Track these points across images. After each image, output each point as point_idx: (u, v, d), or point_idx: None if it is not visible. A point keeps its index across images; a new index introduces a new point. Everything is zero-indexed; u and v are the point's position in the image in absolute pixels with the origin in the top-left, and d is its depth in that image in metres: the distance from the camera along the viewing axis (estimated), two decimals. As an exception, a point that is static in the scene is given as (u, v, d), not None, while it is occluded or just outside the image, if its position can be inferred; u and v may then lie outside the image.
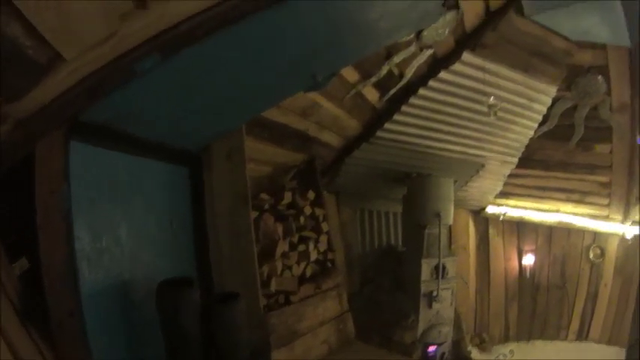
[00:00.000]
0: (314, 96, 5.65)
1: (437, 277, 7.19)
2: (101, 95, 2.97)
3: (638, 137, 7.46)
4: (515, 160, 8.34)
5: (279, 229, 6.04)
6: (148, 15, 2.76)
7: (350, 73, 5.82)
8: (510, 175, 8.74)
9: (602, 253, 9.22)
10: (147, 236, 4.15)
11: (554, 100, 7.46)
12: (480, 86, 6.55)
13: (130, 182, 3.97)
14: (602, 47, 6.93)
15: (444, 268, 7.23)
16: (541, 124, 7.74)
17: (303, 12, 3.44)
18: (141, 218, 4.10)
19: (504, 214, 9.64)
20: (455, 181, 7.83)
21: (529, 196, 9.24)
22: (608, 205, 8.70)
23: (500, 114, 6.69)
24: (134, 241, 3.91)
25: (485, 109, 6.36)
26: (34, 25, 2.21)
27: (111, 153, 3.73)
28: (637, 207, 8.28)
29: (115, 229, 3.76)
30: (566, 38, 6.59)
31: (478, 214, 9.88)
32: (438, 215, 7.26)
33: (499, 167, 8.44)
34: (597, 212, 8.94)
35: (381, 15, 4.01)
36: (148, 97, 3.42)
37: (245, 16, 3.14)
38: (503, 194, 9.36)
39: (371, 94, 6.38)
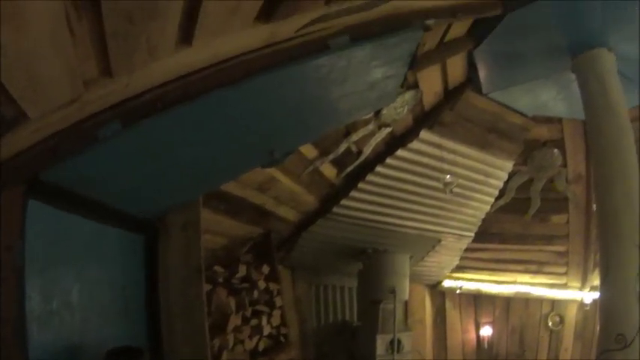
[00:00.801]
0: (272, 171, 5.69)
1: (392, 352, 7.12)
2: (62, 157, 2.96)
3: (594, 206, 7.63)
4: (472, 234, 8.42)
5: (232, 302, 5.99)
6: (113, 83, 2.78)
7: (308, 150, 5.88)
8: (467, 249, 8.80)
9: (562, 320, 9.25)
10: (99, 301, 4.04)
11: (511, 175, 7.61)
12: (437, 163, 6.66)
13: (85, 246, 3.89)
14: (558, 121, 7.18)
15: (399, 342, 7.20)
16: (497, 198, 7.86)
17: (262, 92, 3.55)
18: (94, 283, 3.99)
19: (461, 288, 9.66)
20: (411, 257, 7.86)
21: (486, 269, 9.29)
22: (566, 273, 8.79)
23: (456, 190, 6.80)
24: (86, 305, 3.81)
25: (441, 185, 6.45)
26: (3, 82, 2.20)
27: (68, 215, 3.66)
28: (595, 273, 8.33)
29: (67, 292, 3.65)
30: (522, 114, 6.77)
31: (434, 287, 9.88)
32: (393, 291, 7.25)
33: (455, 242, 8.50)
34: (555, 281, 9.01)
35: (340, 96, 4.16)
36: (108, 163, 3.40)
37: (204, 92, 3.24)
38: (460, 268, 9.40)
39: (328, 171, 6.43)
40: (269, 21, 3.08)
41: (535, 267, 8.96)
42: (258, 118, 3.89)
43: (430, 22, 4.38)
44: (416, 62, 4.79)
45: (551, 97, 6.31)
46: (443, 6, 4.43)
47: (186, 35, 2.80)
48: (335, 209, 6.92)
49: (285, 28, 3.30)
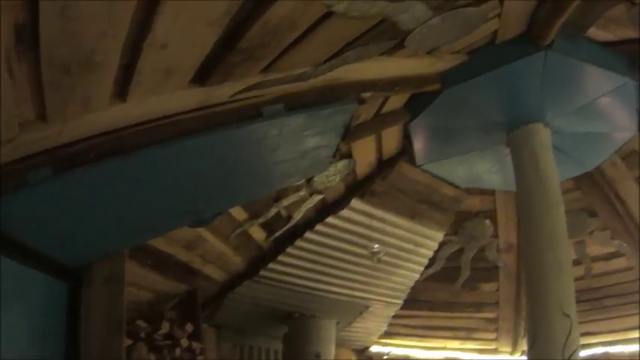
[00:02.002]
0: (200, 230, 5.69)
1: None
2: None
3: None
4: (400, 301, 8.41)
5: (153, 359, 5.88)
6: (47, 128, 2.83)
7: (238, 212, 5.88)
8: (396, 316, 8.79)
9: (493, 384, 9.24)
10: (17, 347, 3.96)
11: (441, 244, 7.65)
12: (367, 232, 6.70)
13: (7, 288, 3.83)
14: (491, 193, 7.28)
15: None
16: (427, 266, 7.88)
17: (193, 153, 3.64)
18: (13, 327, 3.91)
19: (389, 353, 9.63)
20: (337, 322, 7.87)
21: (414, 335, 9.30)
22: (496, 339, 8.86)
23: (385, 258, 6.88)
24: (4, 350, 3.74)
25: (369, 254, 6.53)
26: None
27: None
28: (525, 339, 8.42)
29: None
30: (455, 185, 6.84)
31: (362, 352, 9.82)
32: (318, 355, 7.26)
33: (383, 309, 8.49)
34: (485, 347, 9.07)
35: (271, 162, 4.26)
36: (37, 208, 3.39)
37: (137, 148, 3.30)
38: (388, 334, 9.37)
39: (257, 234, 6.42)
40: (204, 85, 3.16)
41: (464, 333, 9.03)
42: (188, 178, 3.95)
43: (366, 95, 4.50)
44: (349, 133, 4.88)
45: (485, 170, 6.40)
46: (380, 79, 4.52)
47: (121, 91, 2.87)
48: (262, 272, 6.90)
49: (220, 92, 3.37)
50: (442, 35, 4.14)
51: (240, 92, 3.48)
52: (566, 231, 4.99)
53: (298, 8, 2.77)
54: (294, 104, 3.95)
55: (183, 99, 3.27)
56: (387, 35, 3.72)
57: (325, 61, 3.65)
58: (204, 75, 3.08)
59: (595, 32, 4.80)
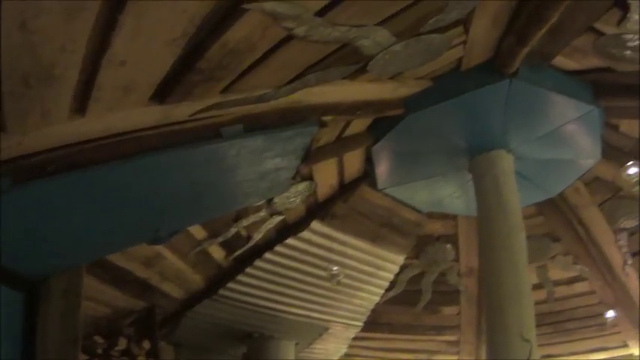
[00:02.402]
0: (158, 247, 5.68)
1: None
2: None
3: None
4: (361, 323, 8.40)
5: (109, 376, 5.86)
6: (7, 139, 2.82)
7: (197, 230, 5.88)
8: (356, 338, 8.77)
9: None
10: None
11: (402, 268, 7.68)
12: (327, 254, 6.74)
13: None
14: (453, 217, 7.34)
15: None
16: (388, 289, 7.90)
17: (151, 170, 3.67)
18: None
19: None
20: (297, 343, 7.87)
21: (375, 357, 9.28)
22: (457, 361, 8.83)
23: (345, 280, 6.92)
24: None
25: (328, 276, 6.56)
26: None
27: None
28: None
29: None
30: (417, 210, 6.87)
31: (322, 374, 9.80)
32: (276, 376, 7.25)
33: (343, 331, 8.48)
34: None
35: (230, 182, 4.28)
36: (-3, 217, 3.39)
37: (95, 163, 3.32)
38: (348, 355, 9.33)
39: (217, 253, 6.41)
40: (163, 103, 3.18)
41: (425, 356, 9.04)
42: (146, 196, 3.95)
43: (327, 118, 4.53)
44: (310, 156, 4.90)
45: (447, 195, 6.44)
46: (342, 103, 4.55)
47: (81, 106, 2.87)
48: (221, 291, 6.89)
49: (180, 111, 3.38)
50: (405, 61, 4.16)
51: (200, 112, 3.49)
52: (527, 257, 5.05)
53: (257, 31, 2.79)
54: (254, 125, 3.96)
55: (143, 116, 3.28)
56: (349, 60, 3.74)
57: (286, 84, 3.66)
58: (163, 93, 3.09)
59: (561, 61, 4.88)
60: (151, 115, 3.32)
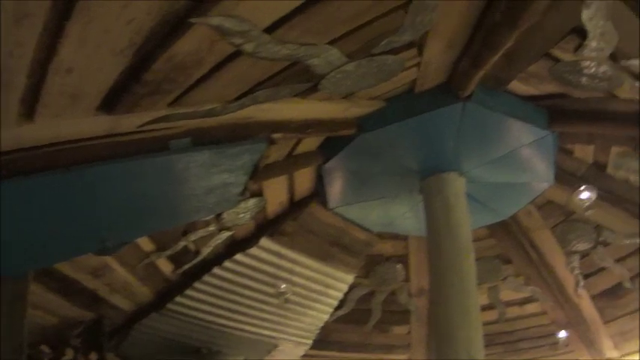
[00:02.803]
0: (106, 258, 5.62)
1: None
2: None
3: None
4: (310, 341, 8.35)
5: (54, 386, 5.79)
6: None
7: (145, 243, 5.84)
8: (305, 355, 8.65)
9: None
10: None
11: (352, 286, 7.67)
12: (276, 271, 6.74)
13: None
14: (404, 238, 7.32)
15: None
16: (337, 308, 7.88)
17: (98, 180, 3.68)
18: None
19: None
20: (245, 360, 7.86)
21: (325, 375, 9.25)
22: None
23: (294, 298, 6.90)
24: None
25: (276, 294, 6.57)
26: None
27: None
28: None
29: None
30: (367, 230, 6.88)
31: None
32: (223, 393, 7.23)
33: (293, 348, 8.39)
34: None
35: (177, 196, 4.29)
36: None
37: (41, 170, 3.34)
38: (298, 374, 9.30)
39: (165, 266, 6.36)
40: (111, 113, 3.18)
41: (375, 374, 9.02)
42: (92, 205, 3.95)
43: (277, 135, 4.56)
44: (258, 172, 4.92)
45: (398, 215, 6.44)
46: (293, 121, 4.57)
47: (29, 111, 2.87)
48: (169, 305, 6.83)
49: (128, 121, 3.39)
50: (358, 81, 4.17)
51: (148, 123, 3.49)
52: (476, 278, 5.07)
53: (204, 45, 2.82)
54: (202, 140, 3.98)
55: (91, 125, 3.28)
56: (300, 78, 3.76)
57: (235, 100, 3.68)
58: (111, 103, 3.10)
59: (517, 85, 4.94)
60: (99, 125, 3.32)
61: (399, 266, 7.66)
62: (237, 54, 3.08)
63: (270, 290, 6.92)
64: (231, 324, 7.49)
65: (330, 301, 7.73)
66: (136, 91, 3.05)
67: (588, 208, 6.16)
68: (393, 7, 3.34)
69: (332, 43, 3.45)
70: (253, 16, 2.77)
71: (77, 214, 3.95)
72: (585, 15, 3.58)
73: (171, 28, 2.64)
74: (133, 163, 3.73)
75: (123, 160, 3.67)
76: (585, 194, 6.00)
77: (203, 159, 4.07)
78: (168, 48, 2.74)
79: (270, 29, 2.97)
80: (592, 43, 3.90)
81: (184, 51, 2.81)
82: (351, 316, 8.06)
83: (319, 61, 3.59)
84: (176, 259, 6.32)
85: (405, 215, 6.41)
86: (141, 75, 2.90)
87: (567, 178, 6.10)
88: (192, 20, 2.58)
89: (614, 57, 4.04)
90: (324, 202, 6.28)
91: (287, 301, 6.64)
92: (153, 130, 3.63)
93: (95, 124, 3.29)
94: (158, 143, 3.81)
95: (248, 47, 3.01)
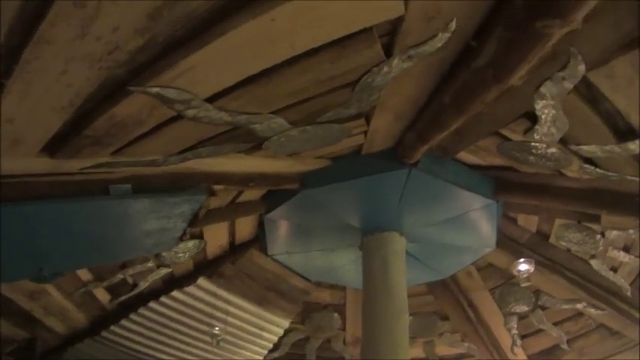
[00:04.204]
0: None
1: None
2: None
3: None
4: None
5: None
6: None
7: (83, 273, 5.87)
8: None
9: None
10: None
11: (287, 331, 7.70)
12: (211, 310, 6.77)
13: None
14: (342, 288, 7.38)
15: None
16: (272, 350, 7.88)
17: (38, 215, 3.77)
18: None
19: None
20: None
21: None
22: None
23: (229, 338, 6.92)
24: None
25: (209, 337, 6.64)
26: None
27: None
28: None
29: None
30: (305, 278, 6.94)
31: None
32: None
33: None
34: None
35: (115, 237, 4.36)
36: None
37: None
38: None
39: (102, 295, 6.38)
40: (53, 157, 3.25)
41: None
42: (31, 238, 4.01)
43: (218, 187, 4.64)
44: (197, 220, 4.97)
45: (337, 267, 6.48)
46: (236, 174, 4.63)
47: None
48: (104, 333, 6.83)
49: (70, 164, 3.46)
50: (303, 144, 4.22)
51: (90, 167, 3.57)
52: (408, 340, 5.07)
53: (144, 110, 2.92)
54: (143, 187, 4.06)
55: (33, 164, 3.36)
56: (243, 139, 3.84)
57: (177, 154, 3.76)
58: (52, 149, 3.18)
59: (464, 155, 5.03)
60: (41, 165, 3.38)
61: (335, 315, 7.69)
62: (178, 117, 3.17)
63: (205, 328, 6.94)
64: (164, 357, 7.50)
65: (264, 343, 7.75)
66: (78, 142, 3.13)
67: (526, 279, 6.27)
68: (339, 85, 3.43)
69: (275, 112, 3.54)
70: (193, 88, 2.87)
71: (15, 244, 4.00)
72: (538, 104, 3.66)
73: (111, 92, 2.75)
74: (72, 204, 3.82)
75: (63, 200, 3.76)
76: (523, 266, 6.06)
77: (142, 206, 4.15)
78: (108, 110, 2.84)
79: (211, 99, 3.06)
80: (542, 129, 3.95)
81: (124, 113, 2.90)
82: (286, 359, 8.07)
83: (262, 127, 3.66)
84: (113, 290, 6.35)
85: (344, 267, 6.46)
86: (82, 130, 3.00)
87: (509, 244, 6.23)
88: (131, 89, 2.69)
89: (563, 141, 4.10)
90: (264, 249, 6.33)
91: (218, 344, 6.66)
92: (95, 172, 3.71)
93: (37, 164, 3.36)
94: (99, 186, 3.89)
95: (189, 113, 3.09)
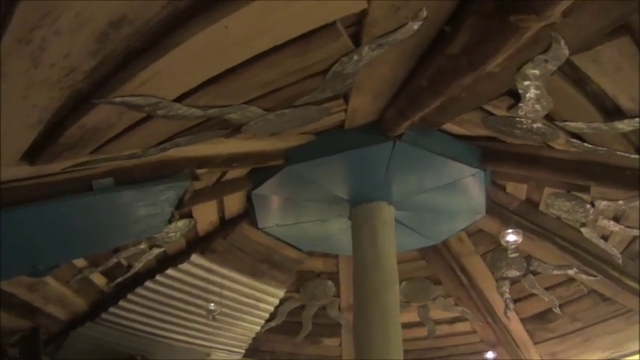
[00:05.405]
0: (40, 275, 5.72)
1: None
2: None
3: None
4: (242, 351, 8.45)
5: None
6: None
7: (78, 260, 5.93)
8: (238, 364, 8.80)
9: None
10: None
11: (283, 300, 7.78)
12: (206, 285, 6.85)
13: None
14: (334, 255, 7.44)
15: None
16: (269, 320, 7.98)
17: (28, 218, 3.82)
18: None
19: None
20: (178, 367, 7.94)
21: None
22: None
23: (226, 310, 7.01)
24: None
25: (205, 312, 6.75)
26: None
27: None
28: None
29: None
30: (297, 248, 6.97)
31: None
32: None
33: (226, 357, 8.49)
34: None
35: (105, 227, 4.43)
36: None
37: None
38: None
39: (98, 279, 6.46)
40: (33, 165, 3.29)
41: (306, 384, 9.09)
42: (23, 240, 4.09)
43: (202, 171, 4.65)
44: (183, 203, 5.02)
45: (328, 236, 6.51)
46: (218, 156, 4.62)
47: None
48: (104, 315, 6.92)
49: (51, 167, 3.50)
50: (282, 125, 4.20)
51: (71, 167, 3.60)
52: (399, 309, 5.15)
53: (113, 116, 2.94)
54: (126, 178, 4.10)
55: (16, 172, 3.40)
56: (219, 127, 3.83)
57: (155, 146, 3.77)
58: (31, 158, 3.22)
59: (449, 126, 5.03)
60: (24, 171, 3.42)
61: (329, 282, 7.76)
62: (148, 117, 3.19)
63: (201, 303, 7.02)
64: (164, 333, 7.62)
65: (261, 313, 7.85)
66: (54, 149, 3.16)
67: (514, 250, 6.30)
68: (309, 75, 3.43)
69: (248, 102, 3.54)
70: (158, 93, 2.89)
71: (9, 246, 4.04)
72: (520, 84, 3.65)
73: (78, 105, 2.77)
74: (58, 204, 3.87)
75: (49, 202, 3.81)
76: (511, 237, 6.08)
77: (127, 196, 4.21)
78: (78, 120, 2.86)
79: (179, 99, 3.07)
80: (526, 106, 3.92)
81: (94, 121, 2.92)
82: (283, 327, 8.16)
83: (237, 115, 3.66)
84: (109, 273, 6.43)
85: (335, 236, 6.49)
86: (56, 139, 3.02)
87: (499, 210, 6.27)
88: (95, 101, 2.71)
89: (549, 117, 4.09)
90: (254, 223, 6.34)
91: (215, 319, 6.73)
92: (77, 170, 3.74)
93: (20, 171, 3.41)
94: (83, 182, 3.94)
95: (159, 113, 3.10)
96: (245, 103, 3.53)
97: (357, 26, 3.05)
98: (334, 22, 2.86)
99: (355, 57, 3.27)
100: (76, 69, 2.39)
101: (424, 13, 2.96)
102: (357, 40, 3.15)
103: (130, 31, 2.30)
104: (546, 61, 3.33)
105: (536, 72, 3.47)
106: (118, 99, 2.76)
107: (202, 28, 2.39)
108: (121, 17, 2.16)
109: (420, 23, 3.04)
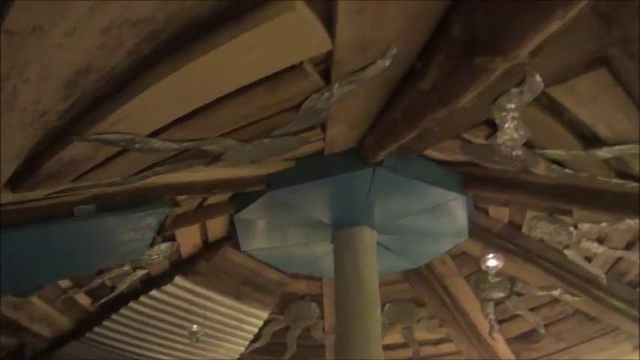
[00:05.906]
0: (25, 295, 5.78)
1: None
2: None
3: None
4: None
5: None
6: None
7: (62, 281, 6.02)
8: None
9: None
10: None
11: (267, 322, 7.80)
12: (190, 307, 6.93)
13: None
14: (318, 278, 7.44)
15: None
16: (253, 341, 7.98)
17: (11, 243, 3.91)
18: None
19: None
20: (161, 387, 7.96)
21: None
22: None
23: (209, 332, 7.07)
24: None
25: (188, 334, 6.84)
26: None
27: None
28: None
29: None
30: (281, 270, 7.03)
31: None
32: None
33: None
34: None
35: (87, 251, 4.51)
36: None
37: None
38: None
39: (83, 299, 6.52)
40: (15, 192, 3.37)
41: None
42: (8, 262, 4.13)
43: (182, 197, 4.72)
44: (165, 228, 5.09)
45: (312, 258, 6.53)
46: (198, 183, 4.68)
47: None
48: (88, 334, 6.96)
49: (34, 193, 3.58)
50: (261, 153, 4.26)
51: (53, 193, 3.67)
52: (380, 334, 5.11)
53: (90, 150, 3.03)
54: (107, 205, 4.18)
55: None
56: (197, 157, 3.89)
57: (134, 175, 3.83)
58: (13, 186, 3.30)
59: (430, 152, 5.07)
60: (7, 197, 3.50)
61: (313, 304, 7.79)
62: (125, 150, 3.26)
63: (186, 324, 7.09)
64: (148, 354, 7.66)
65: (244, 334, 7.86)
66: (34, 180, 3.25)
67: (496, 274, 6.38)
68: (282, 109, 3.50)
69: (224, 135, 3.61)
70: (132, 130, 2.98)
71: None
72: (496, 114, 3.71)
73: (54, 141, 2.87)
74: (42, 229, 3.97)
75: (31, 227, 3.91)
76: (492, 262, 6.13)
77: (109, 223, 4.30)
78: (55, 154, 2.95)
79: (154, 134, 3.16)
80: (504, 135, 3.97)
81: (71, 155, 3.01)
82: (267, 348, 8.16)
83: (214, 147, 3.73)
84: (94, 294, 6.50)
85: (319, 259, 6.52)
86: (35, 170, 3.11)
87: (482, 233, 6.31)
88: (72, 138, 2.80)
89: (528, 145, 4.13)
90: (237, 246, 6.37)
91: (198, 340, 6.79)
92: (59, 196, 3.81)
93: (2, 197, 3.47)
94: (65, 208, 4.03)
95: (135, 147, 3.19)
96: (221, 135, 3.60)
97: (325, 64, 3.12)
98: (300, 63, 2.94)
99: (326, 94, 3.35)
100: (49, 111, 2.50)
101: (393, 51, 3.03)
102: (327, 77, 3.22)
103: (97, 77, 2.40)
104: (521, 93, 3.39)
105: (512, 105, 3.54)
106: (94, 136, 2.84)
107: (168, 73, 2.47)
108: (87, 66, 2.27)
109: (390, 60, 3.11)
